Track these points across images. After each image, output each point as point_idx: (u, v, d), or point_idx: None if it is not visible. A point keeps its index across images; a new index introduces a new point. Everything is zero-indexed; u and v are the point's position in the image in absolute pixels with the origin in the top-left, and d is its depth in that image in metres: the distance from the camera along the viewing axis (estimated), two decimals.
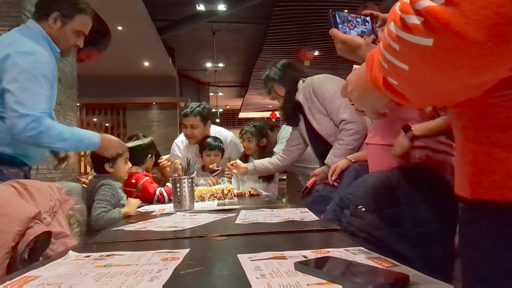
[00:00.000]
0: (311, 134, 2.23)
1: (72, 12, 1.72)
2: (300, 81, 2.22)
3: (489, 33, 0.36)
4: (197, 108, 2.77)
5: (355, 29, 0.91)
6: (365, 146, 1.57)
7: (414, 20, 0.40)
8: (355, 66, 0.73)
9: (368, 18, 0.96)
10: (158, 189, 2.20)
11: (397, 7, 0.44)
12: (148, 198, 2.16)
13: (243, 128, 2.98)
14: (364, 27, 0.93)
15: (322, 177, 2.07)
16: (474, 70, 0.40)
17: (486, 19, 0.36)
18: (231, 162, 2.64)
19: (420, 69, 0.43)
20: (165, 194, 2.18)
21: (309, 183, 2.14)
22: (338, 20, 0.90)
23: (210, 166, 2.70)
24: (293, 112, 2.28)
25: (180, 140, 3.01)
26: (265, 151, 2.89)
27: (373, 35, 0.94)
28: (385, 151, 1.29)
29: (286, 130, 3.16)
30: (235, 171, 2.62)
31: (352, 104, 0.71)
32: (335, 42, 0.92)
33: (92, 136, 1.76)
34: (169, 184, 2.23)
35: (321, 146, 2.15)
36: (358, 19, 0.93)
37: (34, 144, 1.59)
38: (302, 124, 2.29)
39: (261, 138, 2.91)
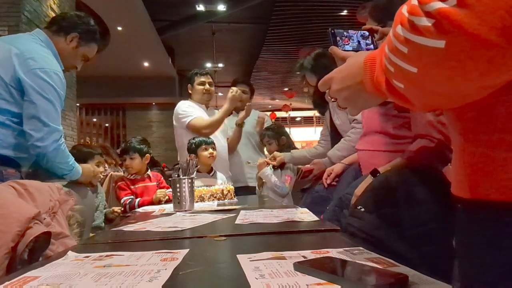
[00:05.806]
0: (332, 126, 2.29)
1: (90, 39, 1.82)
2: None
3: (503, 34, 0.36)
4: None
5: (351, 43, 0.94)
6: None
7: (425, 22, 0.39)
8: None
9: (367, 33, 0.99)
10: (126, 197, 2.33)
11: (404, 9, 0.43)
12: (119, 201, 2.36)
13: (262, 135, 3.08)
14: (364, 41, 0.96)
15: (319, 167, 2.11)
16: (487, 71, 0.39)
17: (500, 20, 0.35)
18: (272, 155, 2.74)
19: (430, 71, 0.42)
20: (128, 206, 2.32)
21: (305, 167, 2.17)
22: (337, 37, 0.93)
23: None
24: (321, 102, 2.34)
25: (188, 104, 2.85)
26: (285, 148, 2.91)
27: (372, 48, 0.96)
28: (373, 155, 1.36)
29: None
30: (274, 162, 2.69)
31: (333, 101, 0.72)
32: (336, 60, 0.95)
33: (79, 167, 1.80)
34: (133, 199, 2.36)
35: (337, 140, 2.19)
36: (356, 34, 0.96)
37: (51, 159, 1.60)
38: (327, 114, 2.34)
39: (280, 136, 2.97)
